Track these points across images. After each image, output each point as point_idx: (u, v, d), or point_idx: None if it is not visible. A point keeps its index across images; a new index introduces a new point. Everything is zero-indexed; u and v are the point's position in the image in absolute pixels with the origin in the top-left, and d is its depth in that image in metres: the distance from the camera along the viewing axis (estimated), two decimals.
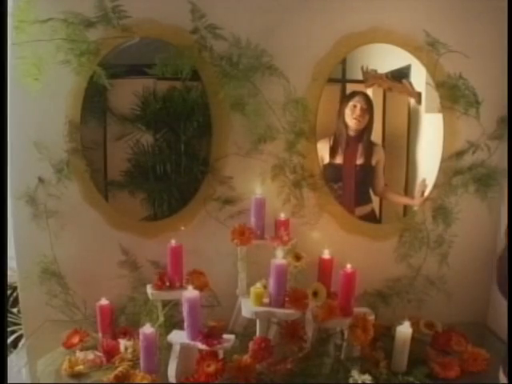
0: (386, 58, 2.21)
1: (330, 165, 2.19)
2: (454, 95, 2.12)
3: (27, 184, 2.05)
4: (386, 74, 2.14)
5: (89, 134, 2.06)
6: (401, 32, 2.07)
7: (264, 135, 2.04)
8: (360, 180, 2.23)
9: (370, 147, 2.21)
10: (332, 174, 2.20)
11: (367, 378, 1.69)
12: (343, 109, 2.16)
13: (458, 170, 2.18)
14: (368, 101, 2.16)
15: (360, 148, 2.20)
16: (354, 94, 2.17)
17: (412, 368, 1.83)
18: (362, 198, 2.26)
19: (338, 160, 2.19)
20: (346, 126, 2.17)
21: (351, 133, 2.18)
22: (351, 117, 2.15)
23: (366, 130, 2.19)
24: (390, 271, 2.21)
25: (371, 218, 2.27)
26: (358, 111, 2.15)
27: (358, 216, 2.23)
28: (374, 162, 2.22)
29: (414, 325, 1.93)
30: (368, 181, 2.25)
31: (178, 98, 2.10)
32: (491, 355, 1.92)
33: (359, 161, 2.21)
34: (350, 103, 2.15)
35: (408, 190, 2.29)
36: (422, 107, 2.21)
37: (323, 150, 2.17)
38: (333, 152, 2.18)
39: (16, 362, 1.95)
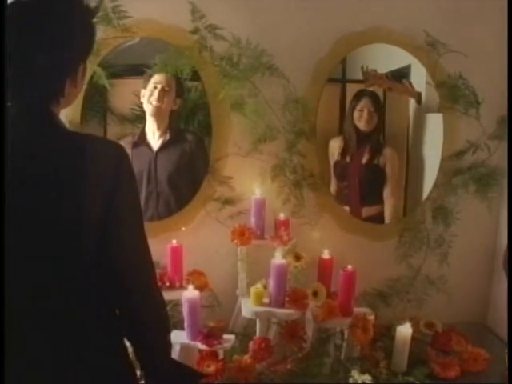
0: (386, 57, 2.21)
1: (338, 163, 2.19)
2: (454, 95, 2.12)
3: None
4: (386, 74, 2.14)
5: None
6: (401, 32, 2.07)
7: (264, 135, 2.04)
8: (365, 179, 2.23)
9: (378, 147, 2.21)
10: (339, 172, 2.20)
11: (367, 377, 1.70)
12: (351, 111, 2.16)
13: (458, 170, 2.18)
14: (376, 101, 2.16)
15: (368, 147, 2.20)
16: (360, 95, 2.16)
17: (412, 368, 1.83)
18: (370, 198, 2.25)
19: (346, 158, 2.20)
20: (356, 127, 2.17)
21: (362, 133, 2.18)
22: (359, 120, 2.15)
23: (376, 129, 2.19)
24: (390, 271, 2.21)
25: (378, 219, 2.26)
26: (365, 115, 2.14)
27: (366, 216, 2.23)
28: (381, 163, 2.21)
29: (414, 325, 1.93)
30: (376, 181, 2.25)
31: None
32: (491, 355, 1.92)
33: (364, 160, 2.21)
34: (358, 107, 2.15)
35: (408, 190, 2.29)
36: (422, 107, 2.21)
37: (334, 147, 2.18)
38: (343, 150, 2.19)
39: None
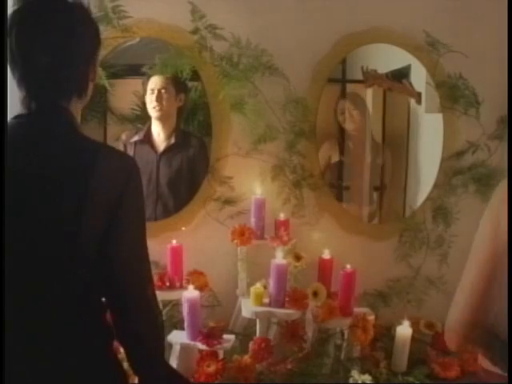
0: (386, 57, 2.21)
1: (339, 163, 2.20)
2: (453, 95, 2.12)
3: None
4: (386, 74, 2.15)
5: (89, 134, 2.04)
6: (401, 32, 2.07)
7: (264, 135, 2.04)
8: (369, 178, 2.24)
9: (376, 146, 2.22)
10: (339, 172, 2.21)
11: (367, 378, 1.70)
12: (335, 116, 2.19)
13: (458, 170, 2.18)
14: (354, 101, 2.17)
15: (367, 146, 2.21)
16: (338, 99, 2.19)
17: (412, 368, 1.83)
18: (370, 198, 2.26)
19: (349, 159, 2.20)
20: (344, 129, 2.19)
21: (352, 133, 2.19)
22: (344, 122, 2.18)
23: (365, 127, 2.20)
24: (390, 271, 2.21)
25: (371, 218, 2.27)
26: (348, 116, 2.17)
27: (365, 216, 2.24)
28: (380, 162, 2.22)
29: (414, 325, 1.93)
30: (375, 180, 2.26)
31: None
32: None
33: (369, 159, 2.22)
34: (339, 110, 2.18)
35: (408, 190, 2.30)
36: (422, 107, 2.21)
37: (331, 148, 2.18)
38: (341, 151, 2.19)
39: None
